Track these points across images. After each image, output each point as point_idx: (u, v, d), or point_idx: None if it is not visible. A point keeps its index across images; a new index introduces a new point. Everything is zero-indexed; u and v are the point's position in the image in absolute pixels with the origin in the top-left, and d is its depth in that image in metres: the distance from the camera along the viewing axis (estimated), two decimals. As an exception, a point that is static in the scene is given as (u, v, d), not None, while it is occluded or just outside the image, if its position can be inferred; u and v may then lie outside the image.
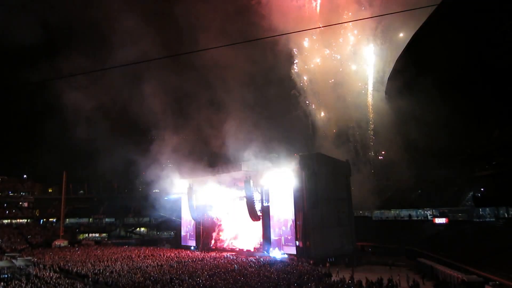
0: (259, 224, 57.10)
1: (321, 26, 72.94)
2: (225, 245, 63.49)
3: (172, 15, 74.95)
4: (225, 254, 56.40)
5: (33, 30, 70.48)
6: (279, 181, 54.12)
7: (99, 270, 41.79)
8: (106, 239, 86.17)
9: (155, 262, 47.36)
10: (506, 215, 49.54)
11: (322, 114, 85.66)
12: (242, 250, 58.35)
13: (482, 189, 47.89)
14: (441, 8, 35.88)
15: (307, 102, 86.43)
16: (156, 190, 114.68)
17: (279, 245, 52.90)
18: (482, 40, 37.21)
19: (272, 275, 35.49)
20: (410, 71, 49.12)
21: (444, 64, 41.61)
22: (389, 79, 68.79)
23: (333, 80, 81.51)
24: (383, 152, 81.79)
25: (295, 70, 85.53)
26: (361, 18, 64.90)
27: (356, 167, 70.18)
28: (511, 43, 35.25)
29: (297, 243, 50.14)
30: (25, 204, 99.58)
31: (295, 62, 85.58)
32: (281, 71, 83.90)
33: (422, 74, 44.79)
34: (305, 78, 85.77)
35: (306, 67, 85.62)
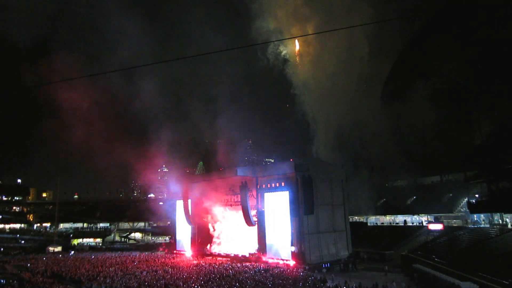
0: (254, 229, 56.95)
1: (316, 32, 72.59)
2: (220, 251, 63.19)
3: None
4: (220, 259, 56.17)
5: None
6: (275, 187, 54.08)
7: (93, 275, 41.49)
8: (100, 244, 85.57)
9: (150, 268, 47.10)
10: (501, 221, 49.81)
11: (320, 116, 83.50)
12: (237, 255, 58.11)
13: (476, 196, 48.15)
14: (436, 16, 36.32)
15: (304, 102, 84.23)
16: (151, 195, 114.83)
17: (274, 250, 52.74)
18: (475, 48, 37.63)
19: (267, 281, 35.38)
20: (403, 78, 49.49)
21: (438, 71, 42.01)
22: (384, 84, 69.08)
23: (330, 80, 79.41)
24: (380, 157, 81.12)
25: (291, 70, 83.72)
26: (358, 18, 64.47)
27: (353, 171, 69.98)
28: (504, 50, 35.68)
29: (293, 248, 50.03)
30: (19, 209, 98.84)
31: (289, 62, 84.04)
32: (278, 72, 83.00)
33: (416, 81, 45.17)
34: (300, 77, 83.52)
35: (301, 66, 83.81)
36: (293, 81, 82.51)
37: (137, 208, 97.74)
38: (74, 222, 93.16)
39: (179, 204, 69.94)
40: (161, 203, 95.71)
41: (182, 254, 66.54)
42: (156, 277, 39.37)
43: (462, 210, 57.49)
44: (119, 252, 72.12)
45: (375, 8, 69.28)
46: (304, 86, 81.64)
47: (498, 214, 50.00)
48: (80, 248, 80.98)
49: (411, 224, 62.49)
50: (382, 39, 73.79)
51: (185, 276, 39.30)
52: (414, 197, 68.32)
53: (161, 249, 76.95)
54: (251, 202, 56.03)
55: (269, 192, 55.15)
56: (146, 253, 68.90)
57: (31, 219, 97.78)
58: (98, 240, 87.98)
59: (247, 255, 56.37)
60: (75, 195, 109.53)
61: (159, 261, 54.96)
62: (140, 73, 71.18)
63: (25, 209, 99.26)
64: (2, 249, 75.37)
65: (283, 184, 52.81)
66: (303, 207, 49.76)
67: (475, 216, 53.97)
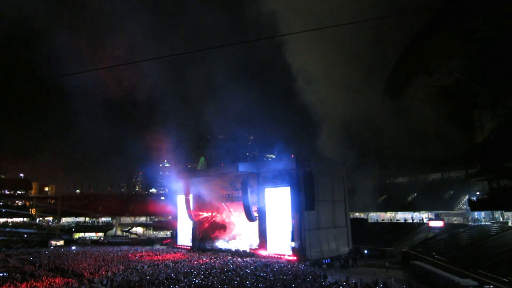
0: (255, 224, 57.18)
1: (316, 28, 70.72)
2: (221, 246, 63.50)
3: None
4: (221, 254, 56.45)
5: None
6: (276, 182, 54.20)
7: (95, 269, 41.81)
8: (102, 239, 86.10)
9: (151, 262, 47.42)
10: (501, 219, 49.88)
11: (322, 107, 79.92)
12: (238, 250, 58.41)
13: (477, 193, 48.23)
14: (438, 13, 36.11)
15: (304, 90, 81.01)
16: (153, 190, 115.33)
17: (275, 246, 52.97)
18: (478, 45, 37.46)
19: (268, 276, 35.56)
20: (404, 75, 49.00)
21: (439, 69, 41.93)
22: (387, 78, 68.17)
23: (330, 67, 76.44)
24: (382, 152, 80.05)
25: (292, 60, 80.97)
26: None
27: (355, 167, 69.44)
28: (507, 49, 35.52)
29: (293, 244, 50.22)
30: (22, 203, 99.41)
31: (290, 51, 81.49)
32: (279, 64, 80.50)
33: (416, 79, 45.05)
34: (299, 63, 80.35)
35: (302, 56, 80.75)
36: (292, 67, 79.45)
37: (138, 202, 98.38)
38: (76, 216, 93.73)
39: (180, 199, 70.23)
40: (162, 198, 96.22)
41: (183, 248, 66.88)
42: (157, 271, 39.64)
43: (462, 207, 57.52)
44: (120, 246, 72.58)
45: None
46: (305, 72, 78.48)
47: (499, 211, 50.10)
48: (82, 242, 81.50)
49: (411, 221, 62.60)
50: (387, 27, 71.60)
51: (186, 271, 39.55)
52: (415, 194, 68.42)
53: (163, 243, 77.43)
54: (252, 197, 56.20)
55: (270, 187, 55.30)
56: (148, 247, 69.32)
57: (34, 213, 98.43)
58: (100, 234, 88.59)
59: (248, 250, 56.66)
60: (77, 189, 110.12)
61: (161, 255, 55.25)
62: (144, 73, 71.01)
63: (27, 203, 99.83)
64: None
65: (284, 179, 52.92)
66: (304, 203, 49.80)
67: (475, 213, 54.01)
